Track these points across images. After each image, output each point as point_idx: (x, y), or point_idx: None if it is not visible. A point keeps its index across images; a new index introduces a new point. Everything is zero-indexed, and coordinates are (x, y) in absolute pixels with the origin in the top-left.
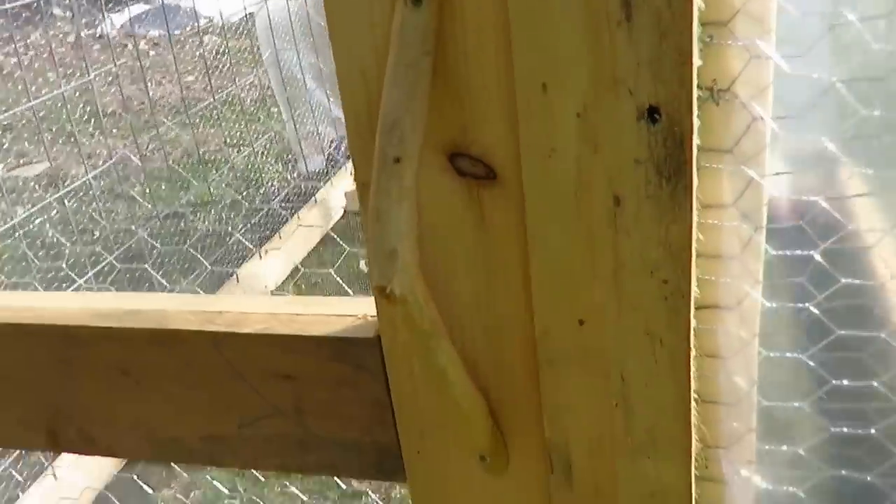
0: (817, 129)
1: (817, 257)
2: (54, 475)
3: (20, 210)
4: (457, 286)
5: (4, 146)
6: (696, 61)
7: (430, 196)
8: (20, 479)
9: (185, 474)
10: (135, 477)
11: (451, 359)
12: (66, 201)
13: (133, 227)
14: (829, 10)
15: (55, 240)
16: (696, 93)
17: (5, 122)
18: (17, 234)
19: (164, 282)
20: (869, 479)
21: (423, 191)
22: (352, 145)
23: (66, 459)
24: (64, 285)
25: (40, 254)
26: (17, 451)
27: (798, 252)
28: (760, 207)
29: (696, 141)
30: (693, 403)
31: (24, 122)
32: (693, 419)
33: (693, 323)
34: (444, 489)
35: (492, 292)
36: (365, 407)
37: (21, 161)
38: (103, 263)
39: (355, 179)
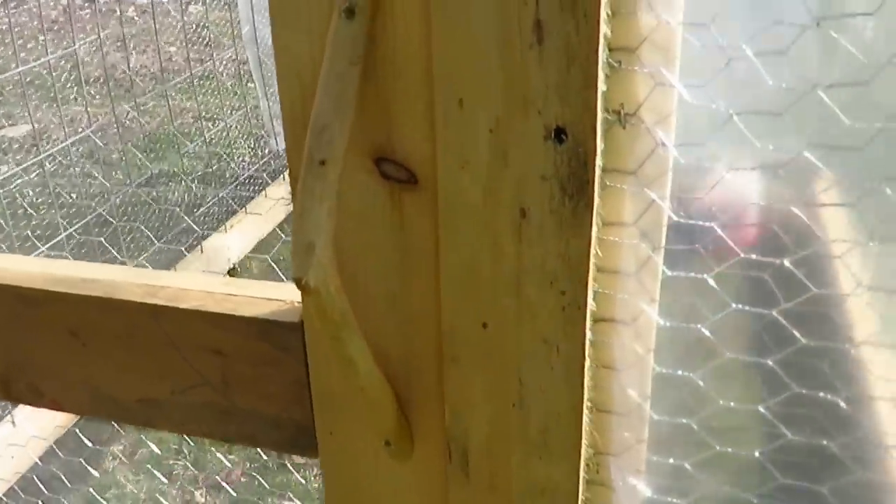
0: (716, 157)
1: (710, 281)
2: (13, 422)
3: (3, 168)
4: (374, 282)
5: None
6: (601, 86)
7: (355, 196)
8: None
9: (133, 433)
10: (77, 431)
11: (360, 349)
12: (45, 164)
13: (106, 195)
14: (728, 43)
15: (33, 201)
16: (601, 116)
17: None
18: None
19: (125, 251)
20: (754, 500)
21: (349, 191)
22: (288, 144)
23: (27, 410)
24: (37, 244)
25: (19, 212)
26: None
27: (692, 274)
28: (660, 228)
29: (599, 162)
30: (586, 411)
31: (10, 85)
32: (585, 425)
33: (589, 335)
34: (351, 469)
35: (405, 290)
36: (285, 385)
37: (8, 122)
38: (73, 228)
39: (290, 175)
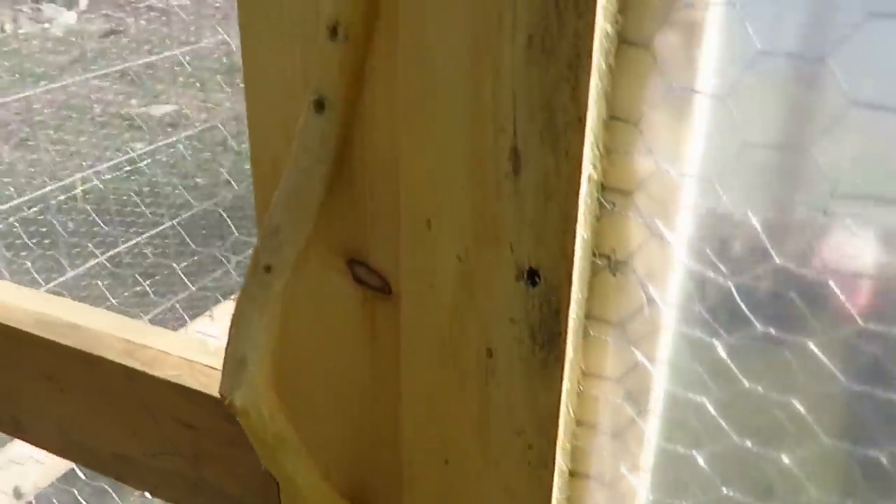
0: (710, 329)
1: (700, 461)
2: None
3: (139, 146)
4: (338, 395)
5: (144, 83)
6: (582, 231)
7: (324, 297)
8: None
9: None
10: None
11: (300, 469)
12: (181, 145)
13: (228, 181)
14: (734, 213)
15: (158, 181)
16: (583, 261)
17: (147, 61)
18: (124, 170)
19: (229, 246)
20: None
21: (318, 291)
22: (259, 229)
23: None
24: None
25: (145, 190)
26: None
27: (680, 449)
28: (648, 392)
29: (576, 311)
30: None
31: (169, 64)
32: None
33: (559, 491)
34: None
35: (368, 407)
36: (255, 471)
37: (154, 99)
38: (176, 220)
39: None
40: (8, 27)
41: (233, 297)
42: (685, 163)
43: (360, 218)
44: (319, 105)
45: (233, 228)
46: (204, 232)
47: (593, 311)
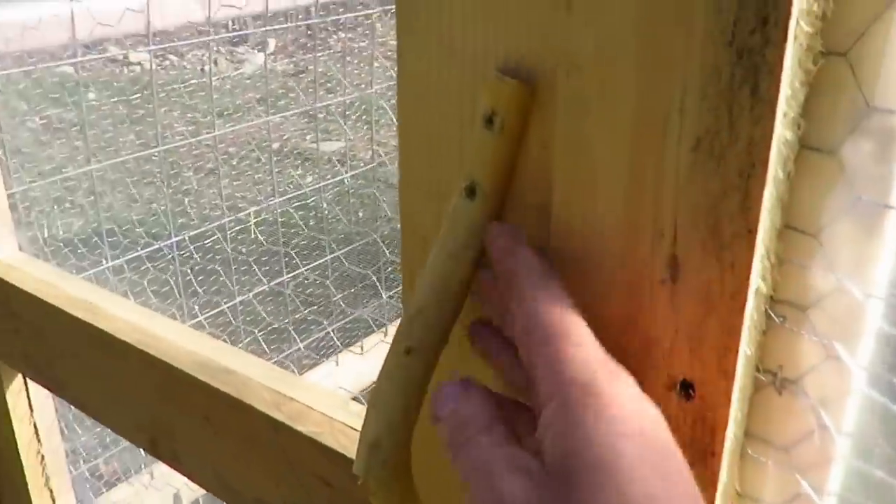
0: (893, 469)
1: None
2: (151, 475)
3: (310, 180)
4: None
5: (319, 121)
6: (745, 348)
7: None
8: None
9: None
10: None
11: None
12: (346, 181)
13: (388, 216)
14: None
15: (325, 214)
16: (739, 379)
17: (324, 103)
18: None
19: (383, 283)
20: None
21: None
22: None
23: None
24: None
25: (311, 223)
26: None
27: None
28: None
29: (731, 432)
30: None
31: (340, 104)
32: None
33: None
34: None
35: None
36: None
37: (327, 135)
38: (340, 251)
39: None
40: (206, 68)
41: (383, 330)
42: (871, 283)
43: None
44: (471, 191)
45: (390, 260)
46: (362, 265)
47: (753, 429)
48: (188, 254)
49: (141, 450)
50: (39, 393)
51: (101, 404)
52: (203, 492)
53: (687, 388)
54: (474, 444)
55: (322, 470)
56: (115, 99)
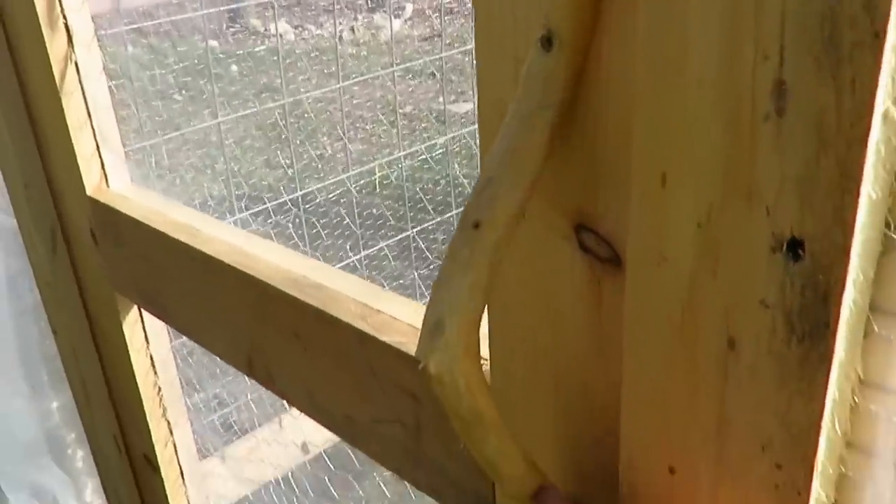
0: None
1: None
2: (280, 424)
3: (441, 140)
4: (550, 373)
5: (452, 82)
6: (872, 191)
7: (544, 265)
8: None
9: None
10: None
11: (502, 451)
12: (470, 138)
13: None
14: None
15: (450, 172)
16: (861, 233)
17: (450, 65)
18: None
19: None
20: None
21: (538, 257)
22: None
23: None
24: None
25: (438, 179)
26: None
27: None
28: None
29: (850, 300)
30: None
31: (462, 65)
32: None
33: None
34: None
35: (586, 394)
36: None
37: (460, 95)
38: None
39: None
40: (346, 35)
41: None
42: None
43: (589, 177)
44: (547, 42)
45: None
46: None
47: (881, 301)
48: (313, 207)
49: (269, 398)
50: (154, 325)
51: (204, 328)
52: (329, 442)
53: (795, 247)
54: None
55: (407, 382)
56: (258, 69)
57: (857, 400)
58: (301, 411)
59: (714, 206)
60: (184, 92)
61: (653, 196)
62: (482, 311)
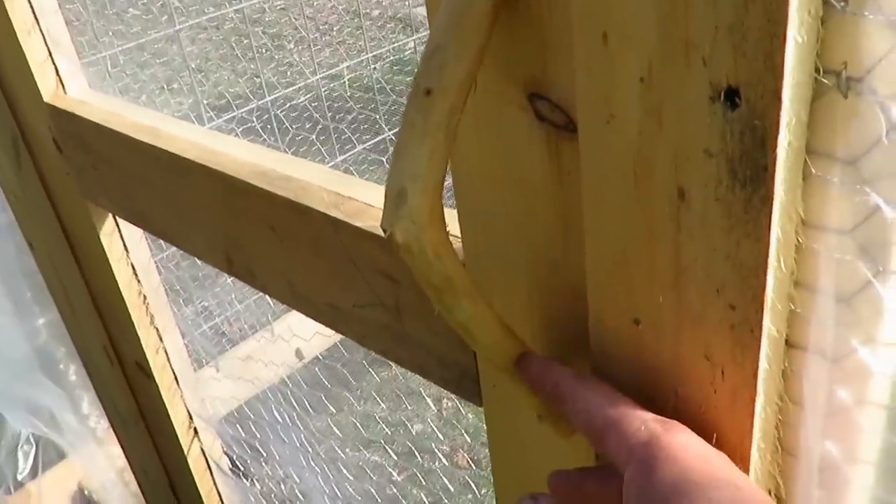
0: None
1: None
2: (272, 332)
3: (410, 44)
4: (517, 239)
5: None
6: (798, 35)
7: (503, 135)
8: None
9: None
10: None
11: (474, 317)
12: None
13: None
14: None
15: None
16: (791, 75)
17: None
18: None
19: None
20: None
21: (496, 127)
22: None
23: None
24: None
25: (407, 80)
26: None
27: None
28: (888, 248)
29: (786, 141)
30: (758, 449)
31: None
32: (755, 463)
33: (766, 362)
34: (514, 428)
35: (552, 256)
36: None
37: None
38: None
39: None
40: None
41: None
42: None
43: (538, 44)
44: None
45: None
46: None
47: (816, 144)
48: (285, 112)
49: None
50: (132, 233)
51: (178, 229)
52: (324, 347)
53: (732, 95)
54: None
55: (385, 265)
56: None
57: (800, 240)
58: (283, 303)
59: (654, 60)
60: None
61: (596, 55)
62: (443, 179)
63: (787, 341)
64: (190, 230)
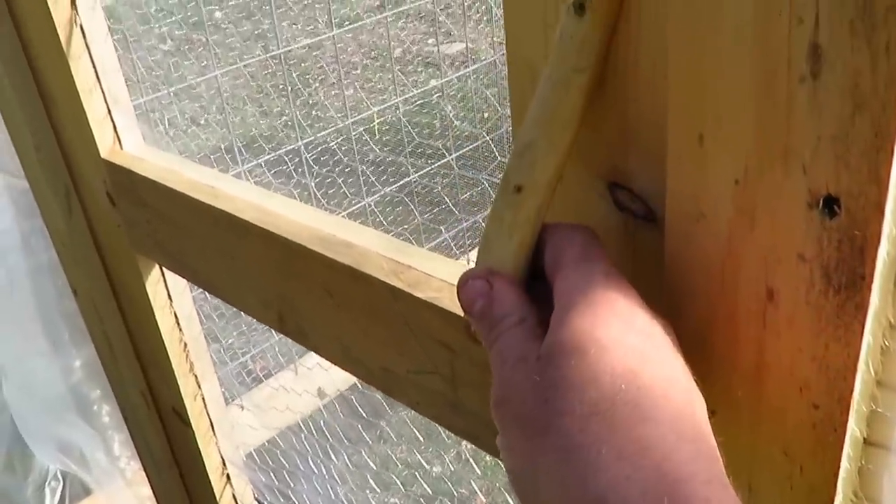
0: None
1: None
2: (295, 371)
3: (434, 82)
4: None
5: (442, 27)
6: None
7: (582, 220)
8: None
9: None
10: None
11: None
12: (470, 79)
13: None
14: None
15: (448, 115)
16: (894, 188)
17: (441, 8)
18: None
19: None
20: None
21: (575, 214)
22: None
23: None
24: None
25: (435, 123)
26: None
27: None
28: None
29: (884, 252)
30: None
31: (452, 7)
32: None
33: (847, 461)
34: None
35: None
36: None
37: (448, 37)
38: (451, 157)
39: None
40: None
41: None
42: None
43: (623, 136)
44: (580, 6)
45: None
46: (486, 163)
47: None
48: (315, 156)
49: (283, 347)
50: (177, 283)
51: (230, 285)
52: (346, 385)
53: (831, 204)
54: (499, 340)
55: (442, 335)
56: (240, 14)
57: (887, 343)
58: (336, 365)
59: (751, 165)
60: (169, 41)
61: (690, 155)
62: (527, 272)
63: (865, 440)
64: (242, 287)
